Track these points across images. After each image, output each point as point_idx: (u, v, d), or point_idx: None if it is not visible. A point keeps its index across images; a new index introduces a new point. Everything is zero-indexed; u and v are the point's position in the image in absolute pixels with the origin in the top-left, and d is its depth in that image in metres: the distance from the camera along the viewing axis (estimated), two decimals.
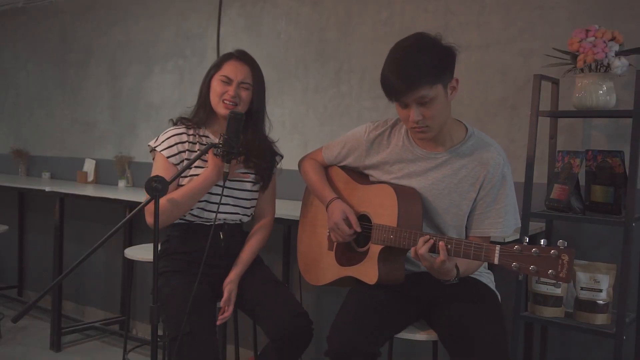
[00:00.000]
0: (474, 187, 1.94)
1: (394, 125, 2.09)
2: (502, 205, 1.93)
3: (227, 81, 2.22)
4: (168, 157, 2.22)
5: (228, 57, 2.28)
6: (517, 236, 2.23)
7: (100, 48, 4.34)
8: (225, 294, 2.18)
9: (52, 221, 3.70)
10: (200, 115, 2.29)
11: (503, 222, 1.93)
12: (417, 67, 1.78)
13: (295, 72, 3.37)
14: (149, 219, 2.11)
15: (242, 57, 2.30)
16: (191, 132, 2.27)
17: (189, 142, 2.25)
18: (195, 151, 2.24)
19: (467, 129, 1.99)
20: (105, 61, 4.31)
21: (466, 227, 2.00)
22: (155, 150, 2.25)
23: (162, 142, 2.24)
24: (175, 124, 2.31)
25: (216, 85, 2.24)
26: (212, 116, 2.29)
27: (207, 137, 2.29)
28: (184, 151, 2.24)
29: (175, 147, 2.23)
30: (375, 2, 3.08)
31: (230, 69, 2.24)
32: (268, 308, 2.16)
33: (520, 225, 2.02)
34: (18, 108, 4.99)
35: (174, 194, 2.13)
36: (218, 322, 2.14)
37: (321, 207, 2.20)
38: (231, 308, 2.18)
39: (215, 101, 2.24)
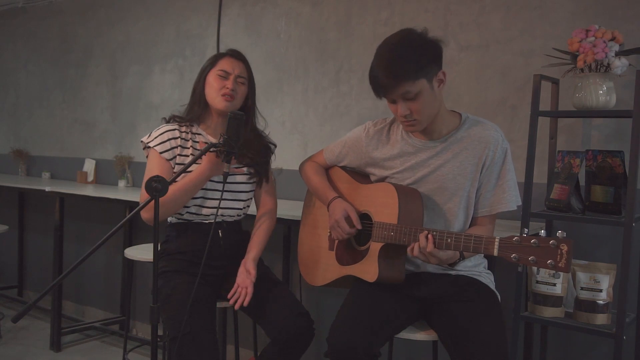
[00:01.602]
0: (477, 166, 1.95)
1: (392, 122, 2.11)
2: (505, 181, 1.96)
3: (225, 75, 2.25)
4: (161, 153, 2.22)
5: (222, 55, 2.32)
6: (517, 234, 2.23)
7: (100, 48, 4.35)
8: (252, 271, 2.14)
9: (52, 221, 3.69)
10: (195, 112, 2.30)
11: (507, 197, 1.96)
12: (400, 64, 1.82)
13: (295, 72, 3.37)
14: (144, 214, 2.12)
15: (236, 54, 2.33)
16: (184, 129, 2.28)
17: (182, 139, 2.25)
18: (188, 147, 2.25)
19: (461, 115, 2.02)
20: (105, 61, 4.31)
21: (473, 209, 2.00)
22: (148, 147, 2.25)
23: (155, 138, 2.25)
24: (168, 121, 2.32)
25: (213, 81, 2.25)
26: (206, 112, 2.31)
27: (199, 134, 2.30)
28: (177, 147, 2.24)
29: (168, 142, 2.23)
30: (375, 2, 3.08)
31: (227, 64, 2.27)
32: (269, 308, 2.16)
33: (520, 203, 2.03)
34: (18, 108, 4.99)
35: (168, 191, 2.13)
36: (236, 307, 2.11)
37: (322, 209, 2.20)
38: (251, 289, 2.12)
39: (212, 95, 2.25)
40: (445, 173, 1.97)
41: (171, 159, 2.23)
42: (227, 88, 2.23)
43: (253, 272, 2.16)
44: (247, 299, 2.10)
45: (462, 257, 1.85)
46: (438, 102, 1.93)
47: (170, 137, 2.24)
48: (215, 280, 2.25)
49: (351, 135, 2.18)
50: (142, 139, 2.29)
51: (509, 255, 1.60)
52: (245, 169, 2.31)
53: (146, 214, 2.13)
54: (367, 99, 3.09)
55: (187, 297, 2.05)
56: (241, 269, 2.18)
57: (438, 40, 1.89)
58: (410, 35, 1.88)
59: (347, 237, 2.06)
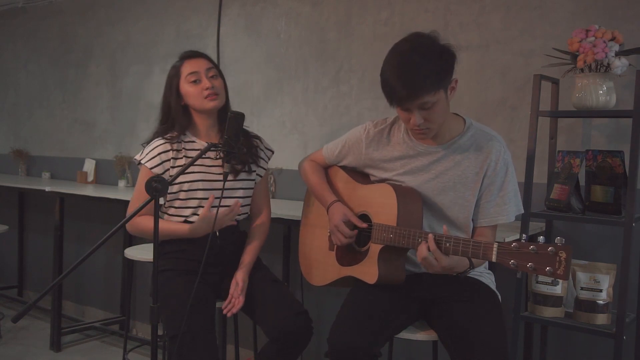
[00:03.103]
0: (478, 176, 1.94)
1: (393, 123, 2.09)
2: (506, 192, 1.95)
3: (196, 78, 2.24)
4: (151, 168, 2.23)
5: (180, 62, 2.30)
6: (517, 235, 2.23)
7: (100, 48, 4.34)
8: (240, 283, 2.18)
9: (52, 221, 3.70)
10: (181, 126, 2.28)
11: (508, 208, 1.95)
12: (420, 75, 1.77)
13: (295, 72, 3.37)
14: (129, 227, 2.24)
15: (192, 54, 2.32)
16: (175, 142, 2.27)
17: (173, 150, 2.25)
18: (181, 158, 2.26)
19: (465, 121, 2.01)
20: (105, 61, 4.31)
21: (472, 219, 2.00)
22: (141, 163, 2.27)
23: (147, 154, 2.26)
24: (159, 134, 2.30)
25: (188, 88, 2.24)
26: (192, 119, 2.31)
27: (193, 141, 2.30)
28: (169, 160, 2.25)
29: (158, 157, 2.24)
30: (375, 2, 3.08)
31: (190, 66, 2.26)
32: (267, 308, 2.16)
33: (522, 211, 2.03)
34: (18, 108, 4.99)
35: (148, 224, 2.17)
36: (228, 314, 2.15)
37: (322, 208, 2.20)
38: (242, 299, 2.17)
39: (198, 103, 2.24)
40: (446, 181, 1.96)
41: (162, 174, 2.24)
42: (207, 89, 2.22)
43: (241, 283, 2.19)
44: (235, 309, 2.15)
45: (472, 266, 1.84)
46: (448, 110, 1.92)
47: (161, 151, 2.25)
48: (214, 279, 2.25)
49: (351, 135, 2.17)
50: (135, 157, 2.32)
51: (508, 262, 1.59)
52: (242, 174, 2.31)
53: (130, 227, 2.24)
54: (367, 99, 3.09)
55: (186, 297, 2.05)
56: (233, 281, 2.21)
57: (452, 47, 1.85)
58: (424, 41, 1.83)
59: (347, 241, 2.05)
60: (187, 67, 2.26)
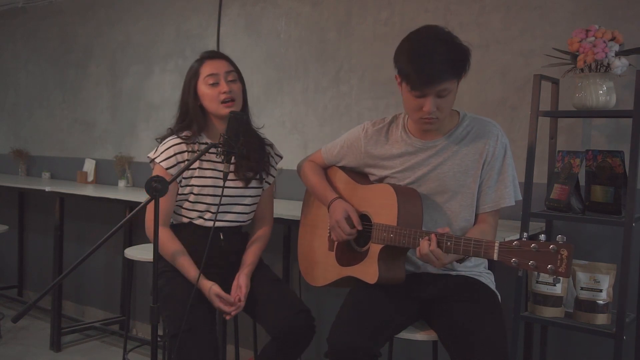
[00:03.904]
0: (478, 162, 1.95)
1: (391, 122, 2.10)
2: (506, 176, 1.97)
3: (214, 81, 2.20)
4: (167, 169, 2.21)
5: (200, 61, 2.26)
6: (517, 235, 2.23)
7: (100, 48, 4.34)
8: (243, 288, 2.16)
9: (52, 221, 3.70)
10: (197, 125, 2.25)
11: (509, 191, 1.96)
12: (445, 60, 1.81)
13: (295, 72, 3.37)
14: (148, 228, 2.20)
15: (213, 54, 2.29)
16: (190, 142, 2.25)
17: (188, 152, 2.23)
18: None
19: (459, 113, 2.03)
20: (105, 61, 4.31)
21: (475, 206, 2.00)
22: (154, 161, 2.24)
23: (161, 153, 2.22)
24: (173, 132, 2.27)
25: (205, 90, 2.21)
26: (208, 120, 2.28)
27: (206, 144, 2.28)
28: (184, 161, 2.22)
29: (174, 157, 2.21)
30: (375, 2, 3.08)
31: (210, 68, 2.22)
32: (269, 306, 2.16)
33: (521, 197, 2.04)
34: (18, 108, 4.99)
35: (165, 244, 2.16)
36: (227, 318, 2.13)
37: (322, 209, 2.20)
38: (242, 303, 2.15)
39: (213, 106, 2.21)
40: (446, 171, 1.97)
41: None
42: (224, 93, 2.19)
43: (244, 289, 2.17)
44: (234, 312, 2.13)
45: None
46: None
47: (177, 151, 2.22)
48: (215, 279, 2.24)
49: (349, 135, 2.17)
50: (148, 155, 2.29)
51: (509, 260, 1.59)
52: (253, 182, 2.30)
53: (149, 234, 2.19)
54: (367, 99, 3.09)
55: (187, 297, 2.05)
56: (235, 284, 2.19)
57: (466, 43, 1.88)
58: (444, 31, 1.87)
59: (347, 238, 2.06)
60: (207, 68, 2.22)
